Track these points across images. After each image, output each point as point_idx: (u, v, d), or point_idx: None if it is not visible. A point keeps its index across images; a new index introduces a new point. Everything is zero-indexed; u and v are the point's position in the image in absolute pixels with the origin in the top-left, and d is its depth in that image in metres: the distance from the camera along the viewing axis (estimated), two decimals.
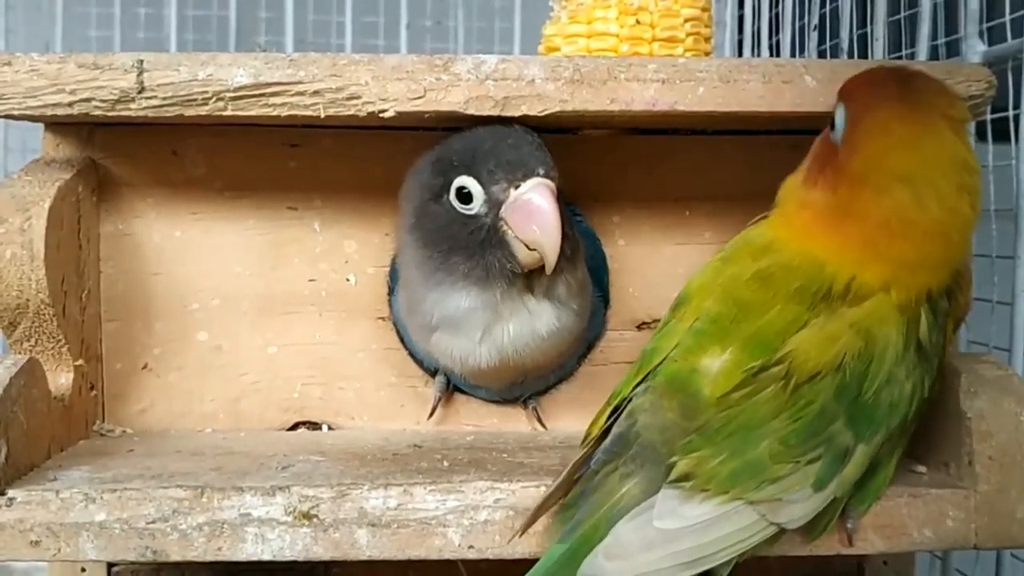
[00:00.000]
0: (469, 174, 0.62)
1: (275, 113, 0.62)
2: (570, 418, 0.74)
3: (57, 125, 0.69)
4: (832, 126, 0.57)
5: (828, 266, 0.56)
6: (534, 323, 0.65)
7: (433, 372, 0.73)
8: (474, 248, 0.63)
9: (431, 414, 0.72)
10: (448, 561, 0.58)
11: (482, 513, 0.56)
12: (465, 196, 0.63)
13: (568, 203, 0.71)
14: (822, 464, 0.53)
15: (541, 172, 0.62)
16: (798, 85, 0.63)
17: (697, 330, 0.56)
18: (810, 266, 0.56)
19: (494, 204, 0.62)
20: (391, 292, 0.72)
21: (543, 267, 0.62)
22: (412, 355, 0.73)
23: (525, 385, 0.72)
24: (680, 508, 0.51)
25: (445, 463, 0.62)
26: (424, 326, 0.67)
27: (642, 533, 0.50)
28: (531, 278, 0.64)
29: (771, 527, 0.52)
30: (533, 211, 0.61)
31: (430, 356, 0.70)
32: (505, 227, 0.62)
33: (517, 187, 0.62)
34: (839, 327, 0.54)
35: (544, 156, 0.62)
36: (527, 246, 0.62)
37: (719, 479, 0.51)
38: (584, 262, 0.68)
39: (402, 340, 0.73)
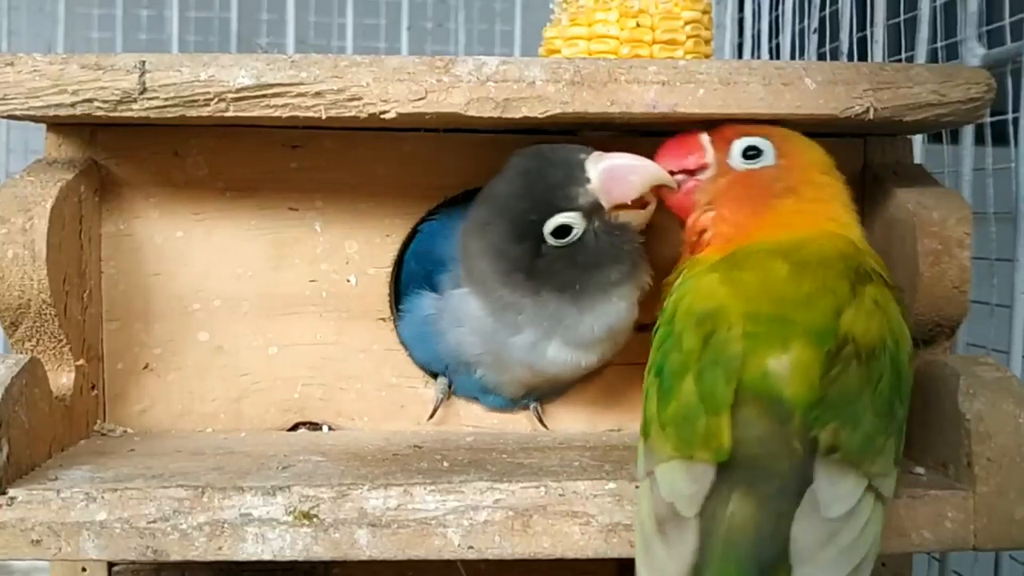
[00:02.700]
0: (564, 210, 0.65)
1: (277, 114, 0.62)
2: (570, 419, 0.74)
3: (59, 126, 0.69)
4: (752, 155, 0.64)
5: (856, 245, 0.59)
6: (613, 317, 0.68)
7: (434, 374, 0.73)
8: (567, 278, 0.66)
9: (432, 415, 0.72)
10: (447, 561, 0.58)
11: (482, 513, 0.56)
12: (561, 231, 0.65)
13: None
14: (896, 439, 0.54)
15: (586, 154, 0.65)
16: (798, 87, 0.63)
17: (750, 334, 0.54)
18: (846, 246, 0.59)
19: (590, 210, 0.65)
20: (398, 281, 0.73)
21: (636, 272, 0.67)
22: (411, 355, 0.73)
23: (542, 391, 0.73)
24: (834, 488, 0.50)
25: (445, 463, 0.62)
26: (510, 326, 0.68)
27: (813, 529, 0.49)
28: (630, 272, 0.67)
29: (883, 512, 0.52)
30: (619, 168, 0.64)
31: (463, 347, 0.70)
32: (614, 212, 0.65)
33: (588, 180, 0.64)
34: (868, 304, 0.56)
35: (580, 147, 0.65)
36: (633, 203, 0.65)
37: (854, 451, 0.51)
38: None
39: (399, 333, 0.73)
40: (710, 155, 0.64)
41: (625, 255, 0.66)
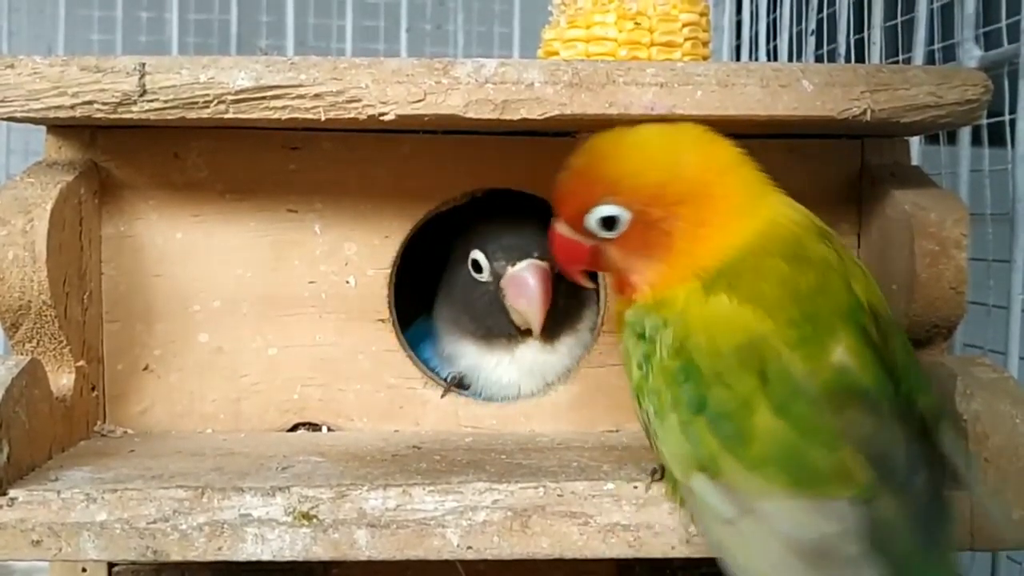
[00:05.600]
0: (481, 250, 0.74)
1: (276, 116, 0.62)
2: (569, 420, 0.74)
3: (59, 127, 0.69)
4: (612, 227, 0.59)
5: None
6: (547, 354, 0.75)
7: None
8: (479, 309, 0.74)
9: (444, 393, 0.73)
10: (446, 562, 0.58)
11: (480, 514, 0.57)
12: (476, 266, 0.74)
13: None
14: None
15: (536, 254, 0.71)
16: (795, 89, 0.63)
17: (795, 343, 0.52)
18: (796, 224, 0.58)
19: (496, 276, 0.73)
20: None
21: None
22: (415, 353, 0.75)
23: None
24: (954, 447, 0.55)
25: (444, 464, 0.62)
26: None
27: None
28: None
29: None
30: (522, 286, 0.71)
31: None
32: (503, 295, 0.73)
33: (514, 265, 0.72)
34: (849, 264, 0.57)
35: (540, 241, 0.68)
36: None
37: (932, 408, 0.55)
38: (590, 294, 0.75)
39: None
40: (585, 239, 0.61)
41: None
